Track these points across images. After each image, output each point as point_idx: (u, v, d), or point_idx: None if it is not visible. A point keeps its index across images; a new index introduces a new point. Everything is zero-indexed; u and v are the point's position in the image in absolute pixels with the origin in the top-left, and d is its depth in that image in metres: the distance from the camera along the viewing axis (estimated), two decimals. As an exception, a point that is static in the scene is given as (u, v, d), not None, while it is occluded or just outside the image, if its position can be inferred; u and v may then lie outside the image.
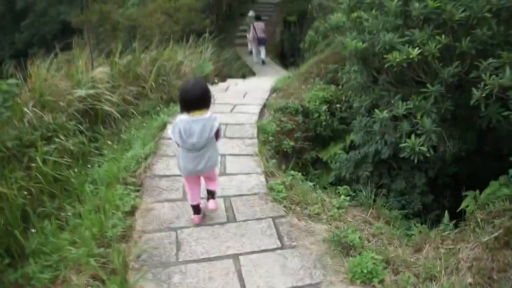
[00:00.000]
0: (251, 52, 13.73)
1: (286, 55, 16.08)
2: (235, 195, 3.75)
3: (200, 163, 3.12)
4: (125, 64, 6.93)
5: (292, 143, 5.35)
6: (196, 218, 3.37)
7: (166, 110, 6.62)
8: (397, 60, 3.68)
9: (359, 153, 5.23)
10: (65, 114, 4.99)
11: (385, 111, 3.93)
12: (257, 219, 3.41)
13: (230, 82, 8.79)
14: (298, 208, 3.60)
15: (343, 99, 6.29)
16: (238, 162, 4.37)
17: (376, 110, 3.99)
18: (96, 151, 4.95)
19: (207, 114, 3.05)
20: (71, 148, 4.63)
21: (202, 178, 3.38)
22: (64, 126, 4.78)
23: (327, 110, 5.99)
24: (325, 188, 5.48)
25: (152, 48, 8.10)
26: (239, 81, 9.02)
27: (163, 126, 5.46)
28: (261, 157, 4.50)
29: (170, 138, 4.89)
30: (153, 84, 7.05)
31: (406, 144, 3.70)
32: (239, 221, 3.38)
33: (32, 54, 7.44)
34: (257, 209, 3.54)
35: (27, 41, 23.51)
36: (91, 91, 5.26)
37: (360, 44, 4.20)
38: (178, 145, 3.13)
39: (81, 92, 5.09)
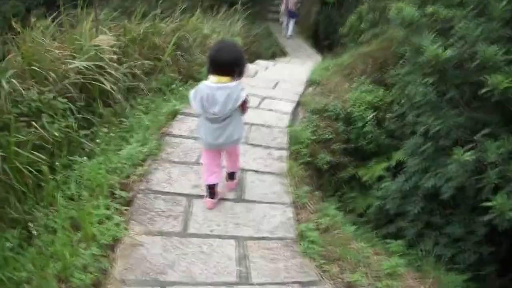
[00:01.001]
0: (281, 24, 13.37)
1: (320, 37, 14.90)
2: (252, 238, 2.79)
3: (221, 136, 2.80)
4: (141, 32, 5.91)
5: (328, 158, 4.33)
6: (209, 202, 3.02)
7: (182, 89, 5.66)
8: (501, 86, 2.61)
9: (408, 182, 4.20)
10: (57, 89, 4.05)
11: (468, 153, 2.87)
12: (279, 283, 2.45)
13: (259, 64, 7.70)
14: (335, 270, 2.63)
15: (393, 107, 5.21)
16: (260, 183, 3.39)
17: (456, 149, 2.94)
18: (87, 140, 4.01)
19: (234, 82, 2.73)
20: (55, 134, 3.70)
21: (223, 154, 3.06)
22: (51, 104, 3.84)
23: (374, 119, 4.92)
24: (361, 215, 4.54)
25: (176, 15, 7.01)
26: (270, 64, 7.93)
27: (173, 115, 4.50)
28: (290, 179, 3.51)
29: (180, 136, 4.01)
30: (170, 58, 6.05)
31: (492, 203, 2.68)
32: (254, 285, 2.43)
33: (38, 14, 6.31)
34: (281, 266, 2.58)
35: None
36: (90, 63, 4.27)
37: (442, 51, 3.11)
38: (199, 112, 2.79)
39: (77, 63, 4.11)
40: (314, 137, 4.35)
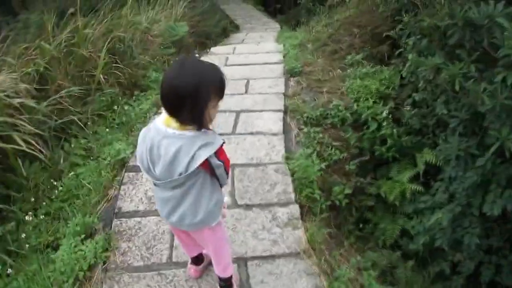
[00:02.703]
0: None
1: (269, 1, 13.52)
2: None
3: (174, 212, 1.76)
4: (62, 46, 4.41)
5: (347, 189, 3.12)
6: (192, 269, 2.21)
7: (129, 108, 4.40)
8: None
9: (458, 203, 3.10)
10: None
11: None
12: None
13: (215, 52, 6.25)
14: None
15: (406, 90, 4.02)
16: (274, 282, 2.18)
17: None
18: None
19: (193, 131, 1.60)
20: None
21: None
22: None
23: (389, 115, 3.71)
24: (393, 247, 3.44)
25: (103, 13, 5.44)
26: (228, 49, 6.49)
27: (120, 166, 3.18)
28: (318, 259, 2.32)
29: (135, 212, 2.70)
30: (105, 70, 4.62)
31: None
32: None
33: None
34: None
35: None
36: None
37: None
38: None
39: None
40: (324, 164, 3.11)
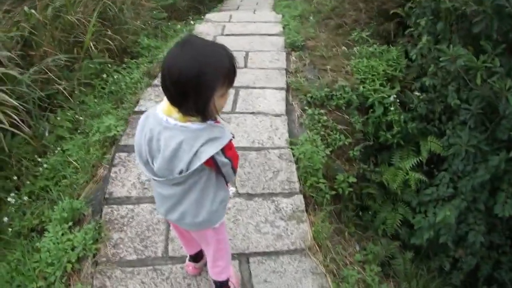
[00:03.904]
0: None
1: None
2: None
3: (173, 209, 1.56)
4: (49, 11, 4.05)
5: (351, 177, 2.97)
6: (190, 266, 2.05)
7: (118, 77, 4.18)
8: None
9: (463, 195, 2.98)
10: None
11: None
12: None
13: (211, 19, 5.89)
14: None
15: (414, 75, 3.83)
16: (278, 281, 2.04)
17: None
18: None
19: (197, 123, 1.37)
20: None
21: None
22: None
23: (397, 100, 3.53)
24: (393, 237, 3.36)
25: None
26: (224, 16, 6.11)
27: (110, 144, 2.97)
28: (323, 257, 2.18)
29: (127, 199, 2.51)
30: (95, 36, 4.32)
31: None
32: None
33: None
34: None
35: None
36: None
37: None
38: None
39: None
40: (329, 150, 2.94)
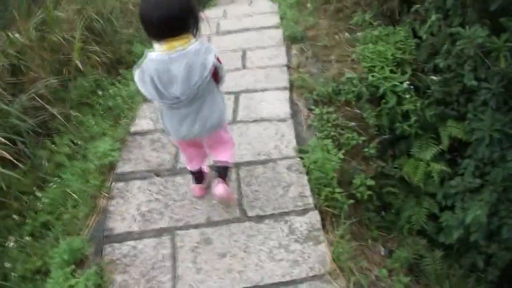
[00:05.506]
0: None
1: None
2: None
3: (194, 124, 1.97)
4: (32, 34, 3.87)
5: (368, 180, 2.74)
6: (196, 188, 2.43)
7: (114, 90, 4.01)
8: None
9: (492, 186, 2.73)
10: None
11: None
12: None
13: (208, 18, 5.63)
14: None
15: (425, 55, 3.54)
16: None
17: None
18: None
19: (192, 42, 1.81)
20: None
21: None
22: None
23: (411, 86, 3.26)
24: (420, 233, 3.14)
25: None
26: (218, 12, 5.84)
27: (109, 169, 2.81)
28: (345, 280, 1.99)
29: (128, 235, 2.33)
30: (82, 52, 4.12)
31: None
32: None
33: None
34: None
35: None
36: None
37: None
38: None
39: None
40: (341, 153, 2.71)
